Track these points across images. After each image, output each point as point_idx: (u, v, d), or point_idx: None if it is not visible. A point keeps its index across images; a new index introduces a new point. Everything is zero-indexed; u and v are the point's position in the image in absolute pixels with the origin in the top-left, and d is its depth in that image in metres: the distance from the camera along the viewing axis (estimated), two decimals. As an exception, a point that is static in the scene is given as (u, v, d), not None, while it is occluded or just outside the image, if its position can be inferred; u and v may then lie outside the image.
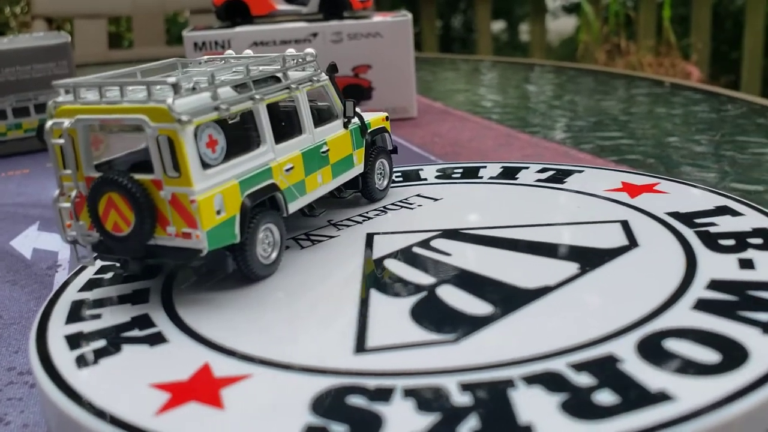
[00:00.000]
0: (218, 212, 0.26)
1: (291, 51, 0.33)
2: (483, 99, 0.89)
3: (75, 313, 0.27)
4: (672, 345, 0.21)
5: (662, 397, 0.18)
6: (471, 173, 0.39)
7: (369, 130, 0.35)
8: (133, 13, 1.59)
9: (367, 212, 0.35)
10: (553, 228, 0.30)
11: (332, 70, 0.34)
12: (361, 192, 0.36)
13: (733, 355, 0.20)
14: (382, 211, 0.35)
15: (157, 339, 0.25)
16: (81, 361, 0.24)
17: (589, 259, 0.26)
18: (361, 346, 0.23)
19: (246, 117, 0.28)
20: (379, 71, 0.64)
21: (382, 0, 2.79)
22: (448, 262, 0.28)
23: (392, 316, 0.24)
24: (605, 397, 0.19)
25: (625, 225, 0.29)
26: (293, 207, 0.30)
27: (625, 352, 0.21)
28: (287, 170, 0.30)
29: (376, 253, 0.30)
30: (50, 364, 0.23)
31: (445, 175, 0.39)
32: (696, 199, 0.32)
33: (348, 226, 0.34)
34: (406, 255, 0.29)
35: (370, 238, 0.31)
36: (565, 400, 0.19)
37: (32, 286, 0.39)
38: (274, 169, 0.29)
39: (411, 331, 0.23)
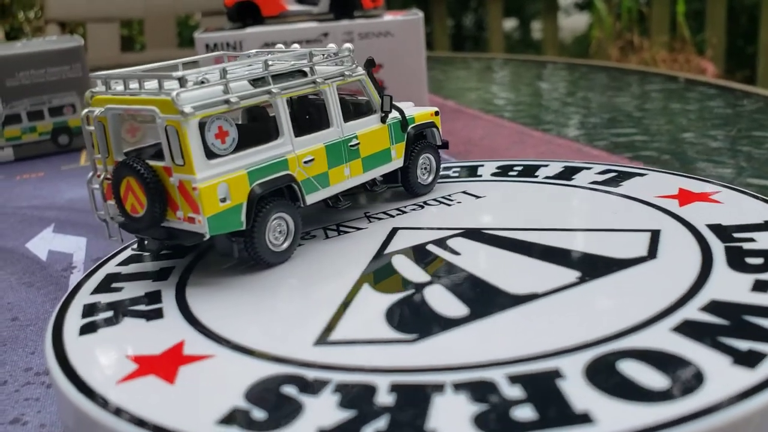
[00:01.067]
0: (223, 200, 0.27)
1: (332, 46, 0.33)
2: (495, 97, 0.89)
3: (102, 286, 0.30)
4: (625, 366, 0.20)
5: (582, 418, 0.18)
6: (529, 171, 0.38)
7: (413, 125, 0.35)
8: (145, 16, 1.60)
9: (405, 206, 0.35)
10: (579, 233, 0.29)
11: (370, 65, 0.34)
12: (402, 186, 0.36)
13: (685, 383, 0.19)
14: (420, 206, 0.35)
15: (156, 314, 0.27)
16: (84, 329, 0.26)
17: (595, 268, 0.26)
18: (323, 339, 0.23)
19: (267, 110, 0.30)
20: (390, 70, 0.64)
21: (392, 0, 2.79)
22: (453, 262, 0.28)
23: (370, 311, 0.25)
24: (524, 413, 0.18)
25: (655, 235, 0.28)
26: (313, 198, 0.31)
27: (572, 370, 0.20)
28: (306, 162, 0.30)
29: (391, 248, 0.30)
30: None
31: (502, 172, 0.39)
32: (749, 211, 0.29)
33: (380, 219, 0.34)
34: (417, 252, 0.29)
35: (393, 233, 0.32)
36: (481, 412, 0.18)
37: (48, 287, 0.39)
38: (290, 161, 0.30)
39: (377, 328, 0.23)
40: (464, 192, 0.36)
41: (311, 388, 0.21)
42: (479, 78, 1.08)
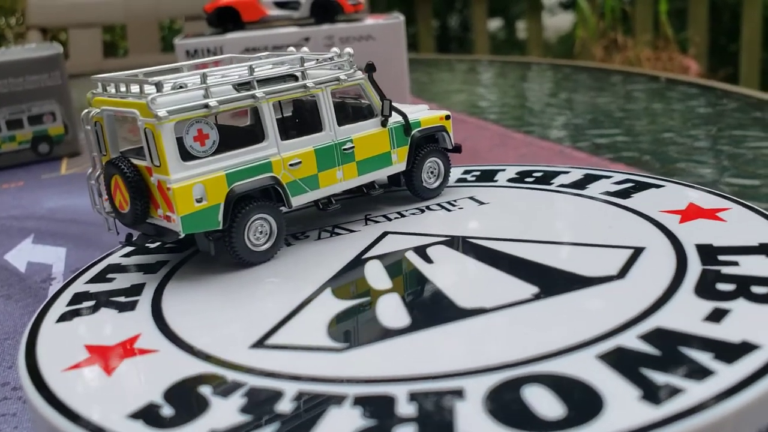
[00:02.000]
0: (199, 200, 0.28)
1: (335, 50, 0.33)
2: (479, 99, 0.89)
3: (99, 276, 0.31)
4: (529, 392, 0.19)
5: None
6: (547, 179, 0.37)
7: (418, 129, 0.35)
8: (127, 22, 1.59)
9: (406, 210, 0.35)
10: (561, 247, 0.29)
11: (370, 69, 0.34)
12: (408, 189, 0.36)
13: (580, 415, 0.18)
14: (421, 210, 0.35)
15: (128, 307, 0.28)
16: (61, 317, 0.27)
17: (556, 285, 0.25)
18: (261, 342, 0.24)
19: (255, 113, 0.31)
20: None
21: (377, 1, 2.79)
22: (421, 271, 0.28)
23: (318, 317, 0.25)
24: (405, 430, 0.18)
25: (636, 254, 0.27)
26: (300, 200, 0.32)
27: (475, 392, 0.19)
28: (292, 165, 0.31)
29: (373, 252, 0.30)
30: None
31: (519, 178, 0.38)
32: (750, 231, 0.28)
33: (377, 222, 0.34)
34: (393, 258, 0.29)
35: (381, 237, 0.32)
36: (362, 429, 0.18)
37: (26, 300, 0.39)
38: (274, 164, 0.30)
39: (315, 335, 0.24)
40: (471, 197, 0.35)
41: (225, 390, 0.21)
42: (463, 80, 1.08)
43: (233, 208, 0.29)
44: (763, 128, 0.62)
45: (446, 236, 0.31)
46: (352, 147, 0.33)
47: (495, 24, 3.35)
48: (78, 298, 0.29)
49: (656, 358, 0.20)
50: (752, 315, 0.22)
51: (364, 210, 0.36)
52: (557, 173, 0.38)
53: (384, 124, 0.34)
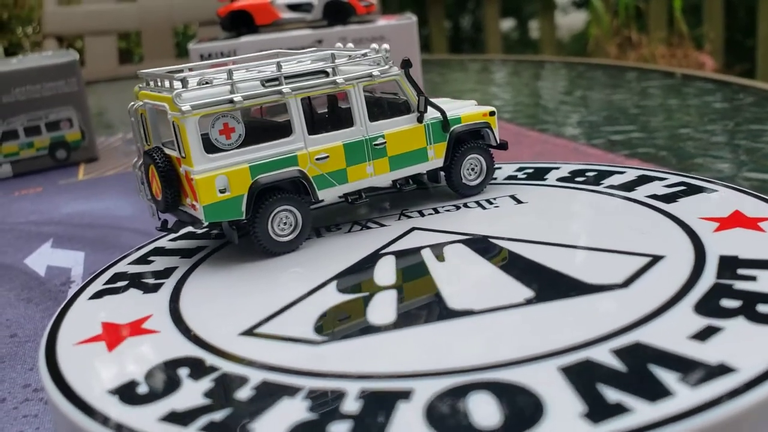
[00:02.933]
0: (222, 191, 0.29)
1: (374, 46, 0.34)
2: (493, 98, 0.89)
3: (141, 258, 0.33)
4: (473, 399, 0.19)
5: None
6: (598, 179, 0.36)
7: (459, 125, 0.35)
8: (141, 28, 1.60)
9: (443, 206, 0.35)
10: (578, 251, 0.28)
11: (407, 65, 0.34)
12: (448, 186, 0.36)
13: (513, 427, 0.18)
14: (457, 207, 0.35)
15: (153, 288, 0.29)
16: (95, 295, 0.29)
17: (554, 291, 0.25)
18: (250, 330, 0.24)
19: (281, 108, 0.32)
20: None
21: (389, 2, 2.79)
22: (428, 269, 0.28)
23: (313, 309, 0.25)
24: (338, 429, 0.18)
25: (651, 263, 0.26)
26: (328, 194, 0.32)
27: (422, 394, 0.19)
28: (320, 159, 0.32)
29: (392, 248, 0.30)
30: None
31: (570, 177, 0.37)
32: None
33: (410, 217, 0.34)
34: (408, 255, 0.30)
35: (407, 233, 0.32)
36: (301, 422, 0.19)
37: (46, 303, 0.39)
38: (300, 158, 0.31)
39: (303, 327, 0.24)
40: (512, 196, 0.35)
41: (200, 373, 0.22)
42: (477, 80, 1.08)
43: (257, 200, 0.30)
44: (781, 122, 0.61)
45: (470, 235, 0.31)
46: (384, 142, 0.33)
47: (507, 24, 3.34)
48: (116, 277, 0.31)
49: (620, 375, 0.19)
50: (744, 336, 0.20)
51: (402, 205, 0.36)
52: (611, 173, 0.37)
53: (420, 120, 0.34)
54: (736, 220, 0.29)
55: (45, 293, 0.41)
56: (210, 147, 0.30)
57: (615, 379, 0.19)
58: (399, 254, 0.30)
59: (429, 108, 0.34)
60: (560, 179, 0.37)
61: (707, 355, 0.20)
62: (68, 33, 1.63)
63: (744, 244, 0.27)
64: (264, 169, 0.30)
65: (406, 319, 0.24)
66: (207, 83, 0.30)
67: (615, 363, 0.20)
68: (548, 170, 0.38)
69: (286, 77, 0.31)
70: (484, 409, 0.18)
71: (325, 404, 0.20)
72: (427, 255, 0.29)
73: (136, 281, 0.30)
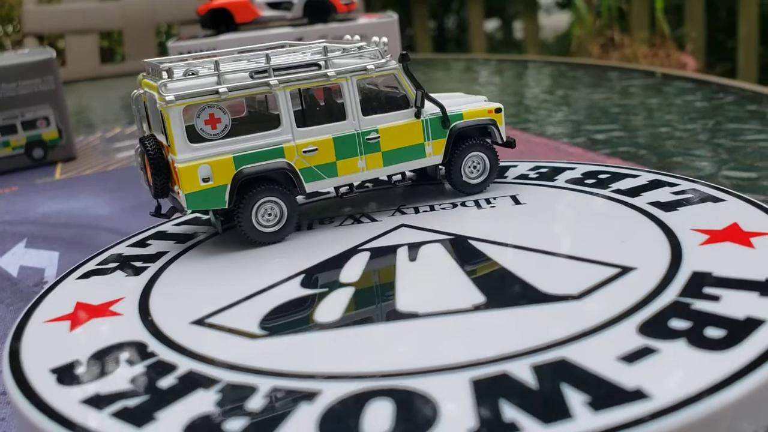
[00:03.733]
0: (206, 179, 0.30)
1: (376, 39, 0.33)
2: (475, 97, 0.89)
3: (141, 242, 0.34)
4: (374, 405, 0.19)
5: None
6: (609, 181, 0.35)
7: (460, 121, 0.34)
8: (123, 27, 1.59)
9: (440, 204, 0.34)
10: (550, 258, 0.27)
11: (404, 59, 0.33)
12: (449, 183, 0.35)
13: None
14: (454, 205, 0.34)
15: (138, 271, 0.30)
16: (84, 275, 0.30)
17: (506, 298, 0.24)
18: (201, 320, 0.25)
19: (270, 100, 0.32)
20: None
21: (373, 2, 2.79)
22: (394, 268, 0.28)
23: (268, 303, 0.26)
24: (234, 425, 0.19)
25: (618, 275, 0.25)
26: (315, 186, 0.32)
27: (327, 396, 0.19)
28: (307, 152, 0.32)
29: (372, 244, 0.30)
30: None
31: (582, 179, 0.36)
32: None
33: (404, 213, 0.34)
34: (383, 252, 0.29)
35: (394, 229, 0.32)
36: (201, 416, 0.19)
37: (18, 304, 0.39)
38: (286, 149, 0.31)
39: (250, 320, 0.25)
40: (513, 196, 0.34)
41: (138, 358, 0.23)
42: (460, 78, 1.08)
43: (243, 190, 0.31)
44: (760, 121, 0.62)
45: (453, 235, 0.30)
46: (377, 137, 0.33)
47: (492, 24, 3.34)
48: (109, 259, 0.32)
49: (528, 392, 0.19)
50: (674, 361, 0.19)
51: (401, 201, 0.35)
52: (623, 176, 0.36)
53: (418, 115, 0.33)
54: (730, 233, 0.28)
55: (17, 294, 0.40)
56: (195, 136, 0.30)
57: (521, 396, 0.19)
58: (375, 251, 0.29)
59: (429, 103, 0.34)
60: (569, 180, 0.36)
61: (626, 379, 0.19)
62: (49, 31, 1.61)
63: (724, 260, 0.25)
64: (248, 160, 0.30)
65: (349, 318, 0.24)
66: (193, 74, 0.30)
67: (530, 379, 0.19)
68: (562, 170, 0.37)
69: (275, 69, 0.31)
70: (377, 417, 0.18)
71: (233, 400, 0.20)
72: (402, 254, 0.29)
73: (125, 263, 0.31)
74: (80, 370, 0.22)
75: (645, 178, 0.35)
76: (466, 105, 0.35)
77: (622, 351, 0.20)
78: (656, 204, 0.32)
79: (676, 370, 0.19)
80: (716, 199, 0.31)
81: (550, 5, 3.21)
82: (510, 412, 0.18)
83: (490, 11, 3.07)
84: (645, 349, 0.20)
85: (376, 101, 0.34)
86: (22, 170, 0.68)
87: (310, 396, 0.20)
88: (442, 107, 0.34)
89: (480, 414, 0.18)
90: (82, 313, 0.26)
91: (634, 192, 0.33)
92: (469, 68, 1.18)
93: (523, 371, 0.20)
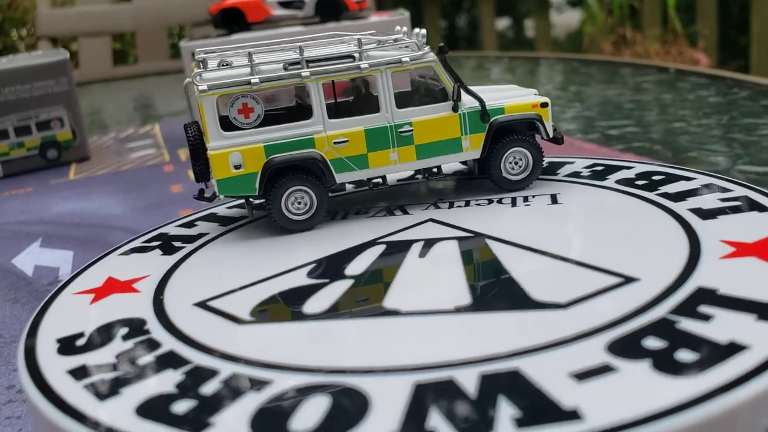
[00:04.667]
0: (237, 167, 0.31)
1: (417, 31, 0.33)
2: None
3: (189, 223, 0.35)
4: (312, 399, 0.19)
5: (203, 425, 0.19)
6: (655, 184, 0.33)
7: (501, 116, 0.33)
8: (136, 29, 1.60)
9: (476, 199, 0.34)
10: (559, 263, 0.26)
11: (442, 51, 0.33)
12: (489, 179, 0.34)
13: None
14: (490, 201, 0.33)
15: (173, 251, 0.31)
16: (126, 252, 0.32)
17: (493, 301, 0.24)
18: (203, 302, 0.26)
19: (303, 91, 0.33)
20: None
21: (384, 1, 2.79)
22: (400, 264, 0.28)
23: (269, 290, 0.26)
24: (182, 406, 0.19)
25: (617, 285, 0.24)
26: (345, 177, 0.33)
27: (276, 387, 0.20)
28: (338, 143, 0.32)
29: (393, 237, 0.30)
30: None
31: (634, 179, 0.34)
32: None
33: (438, 208, 0.33)
34: (397, 246, 0.29)
35: (421, 224, 0.32)
36: (152, 397, 0.20)
37: (33, 303, 0.39)
38: (317, 140, 0.32)
39: (244, 305, 0.25)
40: (552, 195, 0.33)
41: (134, 334, 0.24)
42: (471, 76, 1.08)
43: (273, 178, 0.32)
44: (776, 116, 0.61)
45: (472, 233, 0.30)
46: (411, 130, 0.33)
47: (503, 23, 3.33)
48: (156, 237, 0.33)
49: (462, 402, 0.18)
50: (626, 383, 0.18)
51: (438, 195, 0.35)
52: (677, 178, 0.34)
53: (455, 108, 0.33)
54: (759, 248, 0.26)
55: (32, 293, 0.40)
56: (228, 125, 0.31)
57: (454, 405, 0.18)
58: (390, 245, 0.29)
59: (469, 97, 0.33)
60: (619, 181, 0.34)
61: (568, 398, 0.18)
62: (62, 34, 1.62)
63: (737, 277, 0.24)
64: (279, 149, 0.31)
65: (334, 310, 0.24)
66: (227, 65, 0.31)
67: (471, 388, 0.19)
68: (617, 169, 0.36)
69: (309, 61, 0.31)
70: (310, 412, 0.18)
71: (192, 382, 0.20)
72: (414, 250, 0.29)
73: (166, 243, 0.32)
74: (80, 342, 0.24)
75: (699, 181, 0.33)
76: (509, 99, 0.34)
77: (579, 368, 0.19)
78: (696, 211, 0.30)
79: (624, 392, 0.18)
80: (764, 209, 0.29)
81: (561, 3, 3.20)
82: (435, 420, 0.18)
83: (501, 9, 3.06)
84: (603, 368, 0.19)
85: (415, 93, 0.34)
86: (37, 171, 0.68)
87: (259, 384, 0.20)
88: (481, 101, 0.33)
89: (407, 419, 0.18)
90: (106, 288, 0.28)
91: (680, 197, 0.31)
92: (481, 66, 1.18)
93: (469, 380, 0.19)
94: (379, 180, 0.34)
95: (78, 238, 0.48)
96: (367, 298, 0.25)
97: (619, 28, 2.37)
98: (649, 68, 0.95)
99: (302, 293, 0.26)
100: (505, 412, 0.18)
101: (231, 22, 0.67)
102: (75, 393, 0.21)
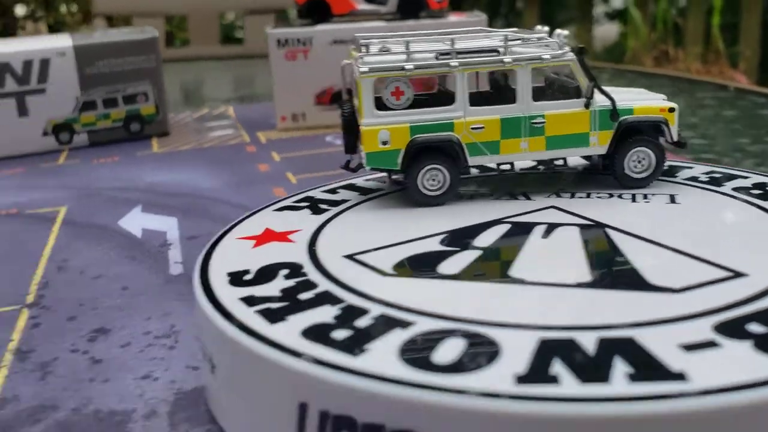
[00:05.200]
0: (384, 143, 0.35)
1: (558, 32, 0.36)
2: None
3: (332, 190, 0.39)
4: (448, 343, 0.22)
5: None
6: None
7: (629, 116, 0.36)
8: (188, 13, 1.63)
9: (598, 193, 0.36)
10: (674, 255, 0.29)
11: (581, 52, 0.36)
12: (611, 175, 0.37)
13: (465, 364, 0.21)
14: (610, 195, 0.36)
15: (319, 212, 0.35)
16: (280, 208, 0.36)
17: (611, 281, 0.26)
18: (352, 255, 0.29)
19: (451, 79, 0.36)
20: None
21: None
22: (527, 241, 0.30)
23: (410, 251, 0.30)
24: (341, 333, 0.23)
25: (727, 278, 0.26)
26: (477, 161, 0.36)
27: (425, 326, 0.23)
28: (475, 128, 0.35)
29: (514, 219, 0.33)
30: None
31: (747, 188, 0.36)
32: None
33: (560, 197, 0.36)
34: (519, 228, 0.32)
35: (544, 209, 0.34)
36: (319, 324, 0.23)
37: (149, 261, 0.42)
38: (456, 125, 0.35)
39: (389, 261, 0.29)
40: (671, 195, 0.35)
41: (293, 275, 0.28)
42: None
43: (413, 155, 0.35)
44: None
45: (593, 221, 0.32)
46: (543, 122, 0.35)
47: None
48: (304, 199, 0.37)
49: (583, 357, 0.21)
50: (729, 356, 0.21)
51: (560, 185, 0.37)
52: None
53: (587, 105, 0.35)
54: None
55: (145, 253, 0.43)
56: (381, 105, 0.34)
57: (574, 359, 0.21)
58: (515, 225, 0.32)
59: (600, 95, 0.35)
60: (736, 188, 0.36)
61: (676, 363, 0.20)
62: (118, 12, 1.66)
63: None
64: (422, 130, 0.35)
65: (464, 274, 0.27)
66: (386, 50, 0.35)
67: (590, 348, 0.21)
68: (733, 177, 0.37)
69: (458, 53, 0.35)
70: (448, 350, 0.22)
71: (347, 316, 0.24)
72: (537, 232, 0.31)
73: (314, 204, 0.36)
74: (248, 277, 0.28)
75: None
76: (639, 101, 0.36)
77: (687, 341, 0.22)
78: None
79: (727, 363, 0.20)
80: None
81: (600, 15, 3.20)
82: (557, 368, 0.20)
83: (541, 17, 3.06)
84: (709, 343, 0.21)
85: (550, 88, 0.37)
86: (119, 142, 0.71)
87: (405, 324, 0.23)
88: (612, 100, 0.36)
89: (532, 364, 0.21)
90: (266, 237, 0.32)
91: None
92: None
93: (589, 342, 0.22)
94: (508, 165, 0.38)
95: (176, 206, 0.51)
96: (494, 266, 0.28)
97: (661, 44, 2.38)
98: (707, 84, 0.96)
99: (436, 257, 0.29)
100: (620, 369, 0.20)
101: (315, 12, 0.69)
102: (248, 316, 0.24)
